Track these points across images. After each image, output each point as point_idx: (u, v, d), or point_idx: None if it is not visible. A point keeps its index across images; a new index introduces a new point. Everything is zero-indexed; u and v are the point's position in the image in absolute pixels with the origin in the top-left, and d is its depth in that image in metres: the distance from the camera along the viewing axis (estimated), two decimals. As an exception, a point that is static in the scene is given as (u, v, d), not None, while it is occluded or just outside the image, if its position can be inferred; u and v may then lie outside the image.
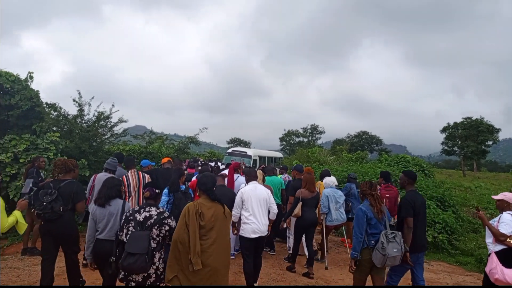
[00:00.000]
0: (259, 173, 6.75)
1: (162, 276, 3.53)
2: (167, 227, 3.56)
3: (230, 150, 22.15)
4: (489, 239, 4.37)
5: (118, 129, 10.93)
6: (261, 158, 20.87)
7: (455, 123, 48.28)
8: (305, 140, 62.42)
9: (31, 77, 9.01)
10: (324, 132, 64.64)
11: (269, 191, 5.35)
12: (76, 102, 9.85)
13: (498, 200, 4.56)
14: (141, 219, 3.52)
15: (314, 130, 63.85)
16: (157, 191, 3.78)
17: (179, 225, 3.48)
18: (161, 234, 3.54)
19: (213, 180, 3.83)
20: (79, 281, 4.90)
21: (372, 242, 4.27)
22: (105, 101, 10.67)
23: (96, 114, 10.23)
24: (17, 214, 3.82)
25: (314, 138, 63.59)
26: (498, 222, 4.35)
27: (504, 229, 4.21)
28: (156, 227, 3.50)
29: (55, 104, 9.64)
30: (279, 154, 25.88)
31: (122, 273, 3.44)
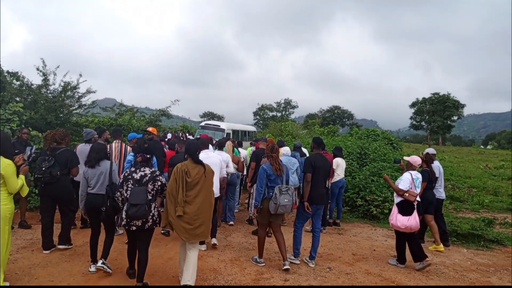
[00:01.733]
0: (229, 143, 7.42)
1: (157, 221, 4.28)
2: (159, 183, 4.27)
3: (203, 124, 21.94)
4: (395, 194, 5.66)
5: (86, 100, 10.60)
6: (235, 132, 20.85)
7: (423, 98, 49.76)
8: (279, 114, 62.71)
9: (-10, 44, 8.50)
10: (297, 107, 65.15)
11: (220, 157, 6.19)
12: (40, 71, 9.43)
13: (407, 161, 5.74)
14: (138, 177, 4.20)
15: (288, 104, 64.16)
16: (148, 156, 4.41)
17: (171, 181, 4.26)
18: (155, 189, 4.24)
19: (196, 146, 4.57)
20: (67, 240, 5.46)
21: (271, 194, 5.11)
22: (71, 72, 10.26)
23: (62, 84, 9.85)
24: (22, 178, 4.17)
25: (287, 112, 63.98)
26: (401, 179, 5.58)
27: (402, 185, 5.45)
28: (150, 183, 4.21)
29: (17, 73, 9.18)
30: (253, 128, 25.93)
31: (125, 220, 4.13)
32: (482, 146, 61.32)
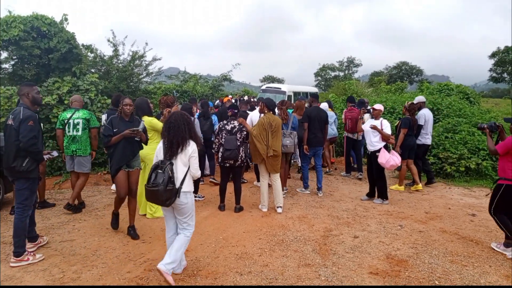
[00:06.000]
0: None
1: (244, 161, 5.73)
2: (244, 132, 5.66)
3: (264, 87, 21.88)
4: (375, 139, 6.15)
5: (152, 68, 11.04)
6: (296, 94, 20.55)
7: (506, 47, 44.51)
8: (341, 74, 60.28)
9: (66, 19, 9.05)
10: (361, 65, 61.89)
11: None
12: (111, 42, 9.91)
13: (376, 110, 6.32)
14: (229, 128, 5.64)
15: (351, 63, 61.27)
16: (235, 111, 5.89)
17: (260, 129, 5.53)
18: (242, 137, 5.63)
19: (274, 102, 5.91)
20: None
21: None
22: (138, 42, 10.67)
23: (130, 53, 10.31)
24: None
25: (350, 71, 61.25)
26: (382, 126, 6.12)
27: (388, 131, 6.14)
28: (239, 133, 5.62)
29: (90, 45, 9.75)
30: (314, 89, 25.36)
31: (221, 159, 5.60)
32: None
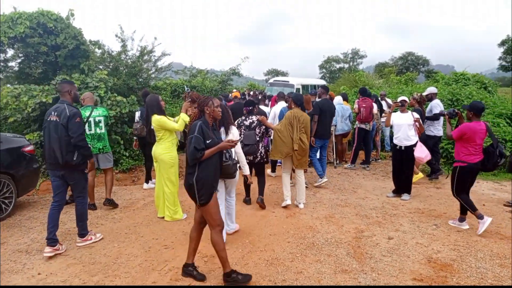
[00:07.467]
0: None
1: (264, 157, 5.57)
2: (263, 127, 5.49)
3: (271, 81, 21.46)
4: (411, 132, 5.88)
5: (161, 63, 10.72)
6: (304, 87, 20.13)
7: (516, 35, 43.59)
8: (346, 66, 59.52)
9: (72, 15, 8.75)
10: (366, 56, 61.04)
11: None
12: (119, 37, 9.60)
13: (407, 102, 6.31)
14: (248, 124, 5.46)
15: (355, 54, 60.47)
16: (250, 107, 5.57)
17: (284, 123, 5.44)
18: (261, 132, 5.46)
19: (302, 97, 5.71)
20: None
21: None
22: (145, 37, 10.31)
23: (139, 49, 9.99)
24: (182, 116, 5.08)
25: (355, 63, 60.48)
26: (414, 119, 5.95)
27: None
28: (258, 128, 5.44)
29: (98, 41, 9.44)
30: (323, 82, 24.93)
31: None
32: None
